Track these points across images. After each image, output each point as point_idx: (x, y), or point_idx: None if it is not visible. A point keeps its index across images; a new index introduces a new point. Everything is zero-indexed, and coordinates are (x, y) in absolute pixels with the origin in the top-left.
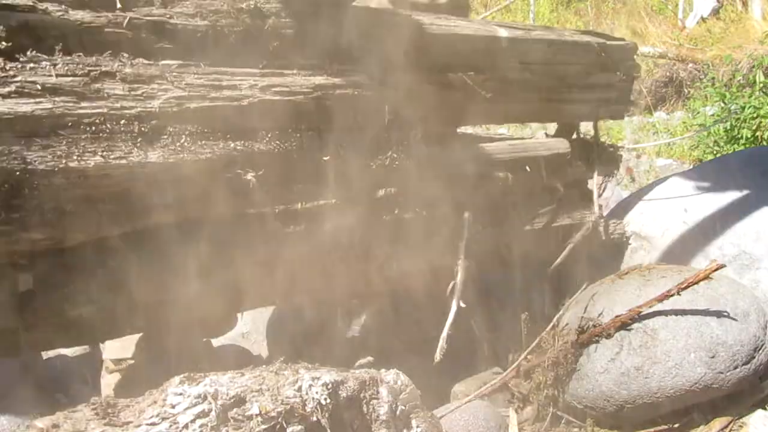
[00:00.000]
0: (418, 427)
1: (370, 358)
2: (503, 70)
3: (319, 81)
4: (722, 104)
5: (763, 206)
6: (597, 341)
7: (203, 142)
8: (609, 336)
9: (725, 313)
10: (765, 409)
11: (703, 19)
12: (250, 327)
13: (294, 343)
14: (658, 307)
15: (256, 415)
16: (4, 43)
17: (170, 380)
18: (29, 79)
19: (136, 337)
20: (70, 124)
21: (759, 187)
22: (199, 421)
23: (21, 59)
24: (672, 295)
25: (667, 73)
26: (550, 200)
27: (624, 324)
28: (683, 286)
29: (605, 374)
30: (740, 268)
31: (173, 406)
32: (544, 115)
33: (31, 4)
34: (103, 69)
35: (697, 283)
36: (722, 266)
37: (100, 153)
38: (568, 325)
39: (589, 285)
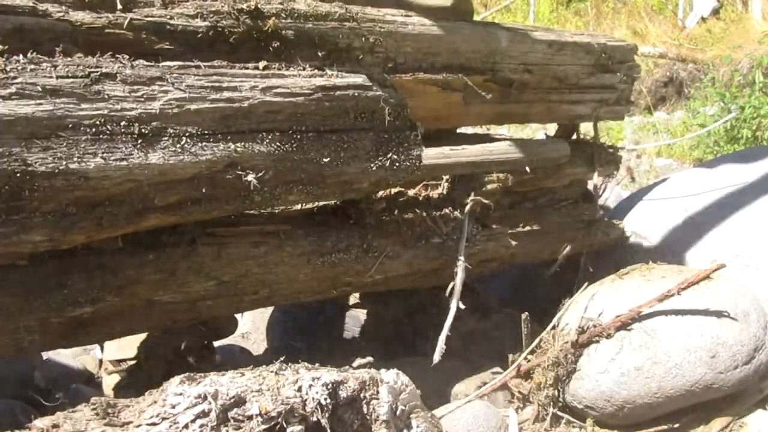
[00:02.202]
0: (418, 427)
1: (370, 359)
2: (503, 70)
3: (320, 82)
4: (722, 104)
5: (762, 206)
6: (597, 341)
7: (204, 143)
8: (609, 336)
9: (725, 313)
10: (765, 409)
11: (703, 19)
12: (250, 327)
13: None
14: (658, 307)
15: (256, 415)
16: (3, 45)
17: (170, 380)
18: (30, 80)
19: (136, 337)
20: (70, 125)
21: (759, 187)
22: (199, 421)
23: (21, 61)
24: (672, 295)
25: (667, 73)
26: (550, 201)
27: (624, 324)
28: (683, 286)
29: (605, 374)
30: (740, 268)
31: (173, 406)
32: (544, 115)
33: (32, 5)
34: (104, 70)
35: (697, 283)
36: (722, 266)
37: (100, 154)
38: (568, 325)
39: (589, 285)
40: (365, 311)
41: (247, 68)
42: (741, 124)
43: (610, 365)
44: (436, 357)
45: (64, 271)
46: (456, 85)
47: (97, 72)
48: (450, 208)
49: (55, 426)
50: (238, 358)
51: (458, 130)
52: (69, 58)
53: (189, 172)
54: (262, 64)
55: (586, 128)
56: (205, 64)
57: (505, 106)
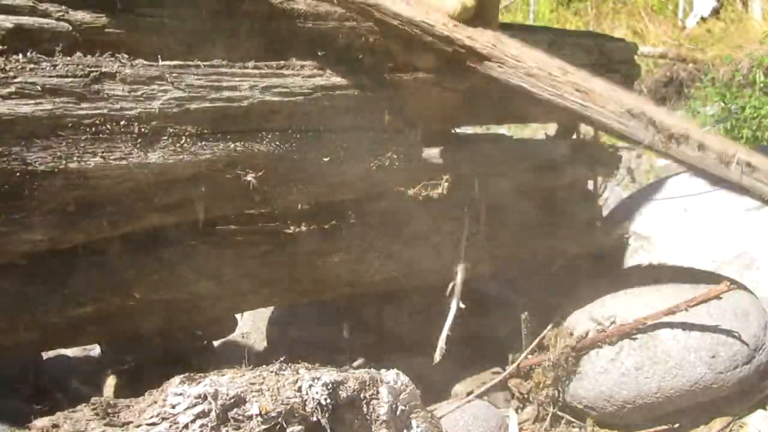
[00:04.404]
0: (418, 427)
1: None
2: None
3: (320, 82)
4: (722, 104)
5: (763, 206)
6: (599, 347)
7: (203, 143)
8: (611, 343)
9: (725, 314)
10: (765, 409)
11: (703, 19)
12: (250, 327)
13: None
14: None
15: (256, 415)
16: (3, 44)
17: (170, 380)
18: (29, 80)
19: (136, 337)
20: (70, 125)
21: None
22: (199, 421)
23: (21, 60)
24: (680, 311)
25: (667, 73)
26: (549, 201)
27: (628, 333)
28: (692, 304)
29: (605, 374)
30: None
31: (173, 407)
32: (544, 115)
33: (31, 5)
34: (103, 70)
35: (706, 302)
36: (733, 288)
37: (100, 154)
38: (568, 326)
39: (590, 285)
40: (365, 311)
41: (247, 68)
42: (741, 124)
43: (610, 365)
44: (437, 357)
45: (64, 271)
46: (456, 85)
47: (96, 71)
48: (449, 207)
49: (55, 426)
50: (238, 359)
51: (458, 130)
52: (68, 58)
53: (188, 172)
54: (261, 63)
55: (586, 128)
56: (205, 63)
57: (506, 106)
